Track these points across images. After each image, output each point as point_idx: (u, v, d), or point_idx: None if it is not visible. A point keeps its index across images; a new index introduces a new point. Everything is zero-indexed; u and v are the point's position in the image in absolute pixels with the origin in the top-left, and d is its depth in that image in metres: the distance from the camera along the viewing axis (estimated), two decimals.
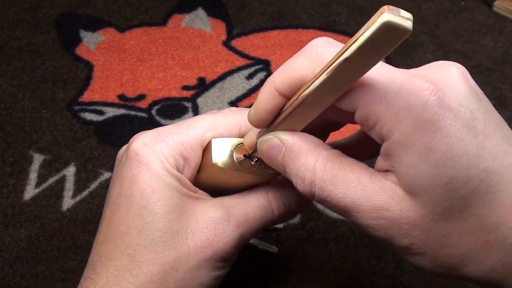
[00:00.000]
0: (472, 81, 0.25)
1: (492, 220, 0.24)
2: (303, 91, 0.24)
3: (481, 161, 0.23)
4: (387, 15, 0.19)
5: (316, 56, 0.25)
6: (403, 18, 0.19)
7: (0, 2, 0.65)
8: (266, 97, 0.26)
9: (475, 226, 0.24)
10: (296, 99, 0.25)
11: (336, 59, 0.22)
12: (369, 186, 0.25)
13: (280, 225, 0.44)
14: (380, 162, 0.26)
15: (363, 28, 0.20)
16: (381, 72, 0.23)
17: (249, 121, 0.28)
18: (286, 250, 0.43)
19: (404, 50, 0.60)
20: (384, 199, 0.25)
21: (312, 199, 0.27)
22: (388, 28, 0.19)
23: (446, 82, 0.24)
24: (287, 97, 0.26)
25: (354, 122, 0.29)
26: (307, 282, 0.41)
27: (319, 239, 0.44)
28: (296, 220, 0.45)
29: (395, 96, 0.23)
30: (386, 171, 0.25)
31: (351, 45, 0.21)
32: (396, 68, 0.24)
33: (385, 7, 0.19)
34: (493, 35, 0.62)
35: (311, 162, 0.26)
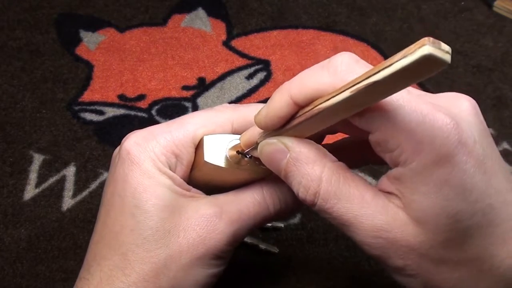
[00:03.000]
0: (481, 116, 0.26)
1: (488, 251, 0.25)
2: (320, 103, 0.24)
3: (487, 197, 0.24)
4: (429, 47, 0.19)
5: (340, 73, 0.25)
6: (443, 52, 0.19)
7: (0, 2, 0.65)
8: (280, 105, 0.26)
9: (472, 256, 0.25)
10: (310, 110, 0.25)
11: (364, 80, 0.22)
12: (372, 204, 0.26)
13: (281, 224, 0.44)
14: (385, 183, 0.26)
15: (399, 55, 0.20)
16: (405, 99, 0.24)
17: (257, 123, 0.28)
18: (286, 250, 0.43)
19: None
20: (386, 220, 0.25)
21: (311, 207, 0.27)
22: (427, 60, 0.19)
23: (462, 116, 0.25)
24: (301, 107, 0.26)
25: (349, 133, 0.29)
26: (307, 282, 0.41)
27: (319, 239, 0.44)
28: (296, 220, 0.45)
29: (419, 127, 0.23)
30: (389, 193, 0.26)
31: (383, 69, 0.21)
32: (418, 95, 0.25)
33: (426, 38, 0.19)
34: (493, 35, 0.62)
35: (317, 172, 0.26)
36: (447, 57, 0.19)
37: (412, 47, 0.19)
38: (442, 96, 0.26)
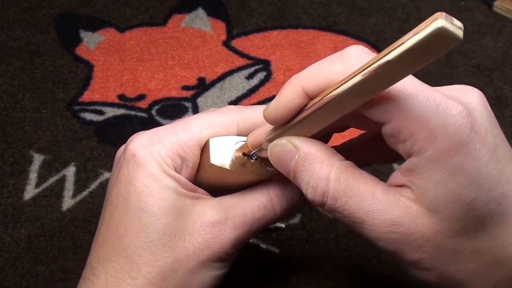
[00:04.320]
0: (489, 108, 0.26)
1: (502, 240, 0.25)
2: (331, 92, 0.24)
3: (500, 186, 0.25)
4: (441, 21, 0.19)
5: (353, 64, 0.25)
6: (455, 27, 0.19)
7: (0, 2, 0.65)
8: (291, 95, 0.26)
9: (487, 245, 0.25)
10: (320, 100, 0.24)
11: (376, 61, 0.21)
12: (383, 200, 0.25)
13: (282, 225, 0.44)
14: (397, 176, 0.26)
15: (411, 33, 0.20)
16: (418, 89, 0.24)
17: (265, 116, 0.27)
18: (286, 250, 0.43)
19: None
20: (399, 214, 0.25)
21: (321, 208, 0.27)
22: (441, 34, 0.19)
23: (473, 106, 0.25)
24: (311, 98, 0.26)
25: (359, 127, 0.29)
26: (307, 282, 0.41)
27: (319, 239, 0.44)
28: (296, 220, 0.45)
29: (433, 115, 0.23)
30: (400, 186, 0.26)
31: (394, 48, 0.20)
32: (428, 86, 0.25)
33: (439, 13, 0.19)
34: (493, 35, 0.62)
35: (325, 171, 0.26)
36: (460, 33, 0.19)
37: (424, 23, 0.19)
38: (451, 88, 0.27)
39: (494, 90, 0.55)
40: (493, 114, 0.26)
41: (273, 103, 0.27)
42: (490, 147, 0.24)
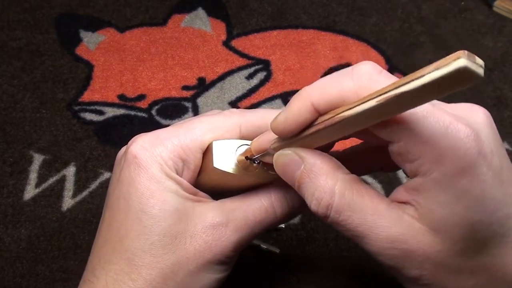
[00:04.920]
0: (495, 127, 0.26)
1: (503, 260, 0.26)
2: (342, 112, 0.24)
3: (504, 207, 0.25)
4: (464, 60, 0.19)
5: (364, 82, 0.25)
6: (477, 65, 0.19)
7: (0, 2, 0.65)
8: (300, 110, 0.26)
9: (488, 264, 0.26)
10: (331, 118, 0.25)
11: (393, 89, 0.21)
12: (386, 215, 0.26)
13: (282, 225, 0.44)
14: (401, 193, 0.26)
15: (432, 67, 0.20)
16: (429, 110, 0.24)
17: (273, 128, 0.27)
18: (286, 250, 0.43)
19: (404, 51, 0.60)
20: (402, 231, 0.25)
21: (324, 220, 0.27)
22: (462, 73, 0.19)
23: (480, 127, 0.25)
24: (321, 113, 0.26)
25: (363, 138, 0.29)
26: (307, 282, 0.41)
27: (319, 239, 0.44)
28: (296, 220, 0.45)
29: (442, 138, 0.24)
30: (404, 203, 0.26)
31: (413, 79, 0.20)
32: (438, 106, 0.25)
33: (462, 52, 0.19)
34: (493, 35, 0.62)
35: (330, 184, 0.26)
36: (481, 71, 0.19)
37: (446, 59, 0.19)
38: (458, 106, 0.27)
39: (494, 90, 0.55)
40: (498, 134, 0.26)
41: (281, 116, 0.27)
42: (496, 170, 0.24)
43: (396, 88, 0.21)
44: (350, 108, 0.23)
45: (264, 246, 0.42)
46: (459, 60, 0.19)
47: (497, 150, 0.25)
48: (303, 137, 0.26)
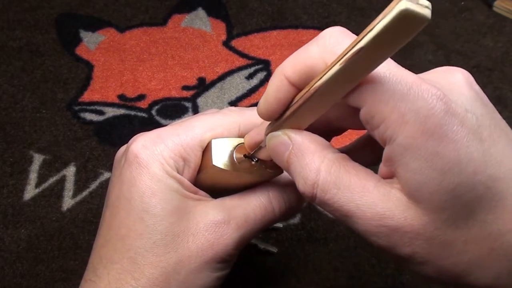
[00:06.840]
0: (477, 87, 0.25)
1: (497, 227, 0.24)
2: (315, 83, 0.24)
3: (487, 168, 0.23)
4: (405, 2, 0.18)
5: (329, 46, 0.24)
6: (421, 6, 0.18)
7: (0, 2, 0.65)
8: (276, 86, 0.26)
9: (480, 234, 0.24)
10: (307, 91, 0.24)
11: (351, 49, 0.21)
12: (374, 192, 0.24)
13: (280, 225, 0.44)
14: (382, 168, 0.25)
15: (380, 16, 0.19)
16: (391, 71, 0.23)
17: (259, 113, 0.27)
18: (286, 250, 0.43)
19: (404, 50, 0.60)
20: (388, 207, 0.24)
21: (312, 201, 0.26)
22: (406, 16, 0.19)
23: (452, 87, 0.24)
24: (297, 87, 0.25)
25: (357, 128, 0.28)
26: (307, 282, 0.41)
27: (319, 239, 0.44)
28: (296, 220, 0.45)
29: (403, 98, 0.22)
30: (391, 177, 0.25)
31: (366, 34, 0.20)
32: (405, 69, 0.24)
33: None
34: (493, 35, 0.62)
35: (316, 162, 0.26)
36: (427, 12, 0.19)
37: (390, 5, 0.19)
38: (433, 71, 0.26)
39: (493, 90, 0.55)
40: (480, 93, 0.25)
41: (262, 98, 0.27)
42: (471, 128, 0.23)
43: (353, 47, 0.21)
44: (320, 78, 0.23)
45: (261, 246, 0.42)
46: (400, 3, 0.18)
47: (473, 109, 0.24)
48: (289, 116, 0.26)
